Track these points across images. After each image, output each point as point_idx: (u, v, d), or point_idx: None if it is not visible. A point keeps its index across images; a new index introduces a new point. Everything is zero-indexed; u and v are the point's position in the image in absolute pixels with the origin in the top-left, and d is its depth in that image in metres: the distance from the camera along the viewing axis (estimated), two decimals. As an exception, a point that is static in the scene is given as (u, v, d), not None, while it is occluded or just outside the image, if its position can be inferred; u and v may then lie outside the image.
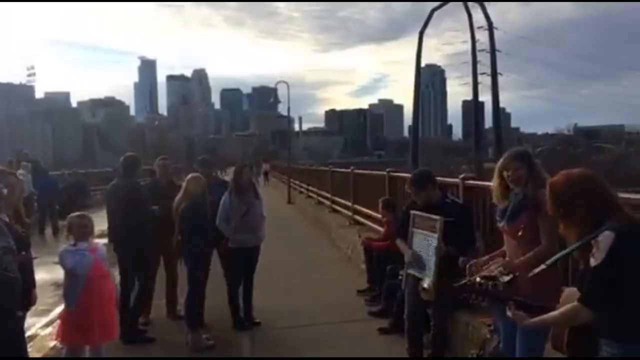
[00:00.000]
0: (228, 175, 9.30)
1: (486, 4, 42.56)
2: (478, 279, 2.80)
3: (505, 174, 3.31)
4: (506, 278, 2.85)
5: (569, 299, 2.33)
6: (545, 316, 2.46)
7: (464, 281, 2.68)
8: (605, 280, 2.17)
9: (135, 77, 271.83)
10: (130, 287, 5.69)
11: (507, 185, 3.33)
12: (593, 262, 2.18)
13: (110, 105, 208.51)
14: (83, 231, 4.43)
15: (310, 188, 20.30)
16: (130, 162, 5.95)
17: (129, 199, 5.68)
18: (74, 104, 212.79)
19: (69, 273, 4.28)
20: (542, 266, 2.61)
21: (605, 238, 2.16)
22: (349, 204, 12.11)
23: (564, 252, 2.41)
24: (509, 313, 2.61)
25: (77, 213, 4.71)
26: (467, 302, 2.72)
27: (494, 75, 44.34)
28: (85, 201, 13.77)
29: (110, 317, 4.41)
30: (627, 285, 2.14)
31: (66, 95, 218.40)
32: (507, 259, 3.28)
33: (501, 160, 3.39)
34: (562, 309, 2.34)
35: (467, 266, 3.37)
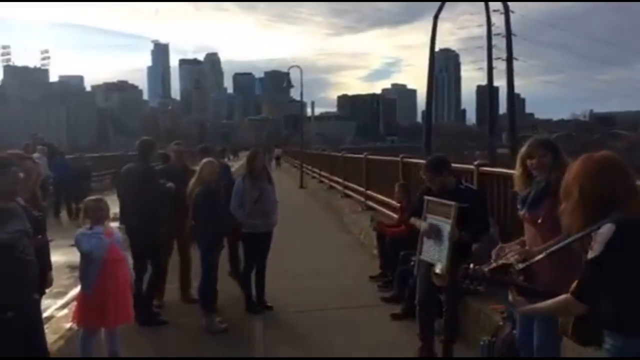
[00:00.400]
0: (240, 160, 9.33)
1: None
2: (479, 266, 2.76)
3: (528, 161, 3.27)
4: (521, 265, 2.83)
5: None
6: (539, 304, 2.46)
7: (464, 266, 2.65)
8: (597, 275, 2.15)
9: (148, 61, 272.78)
10: (143, 271, 5.74)
11: (529, 174, 3.29)
12: (590, 254, 2.15)
13: (123, 89, 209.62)
14: (99, 215, 4.46)
15: (323, 173, 20.33)
16: (147, 145, 5.98)
17: (143, 182, 5.71)
18: (88, 88, 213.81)
19: (85, 256, 4.32)
20: (543, 254, 2.59)
21: (606, 230, 2.12)
22: (362, 189, 12.11)
23: (567, 240, 2.36)
24: (510, 298, 2.60)
25: (93, 197, 4.76)
26: (462, 286, 2.71)
27: (509, 60, 43.72)
28: (85, 187, 13.71)
29: (125, 300, 4.46)
30: (626, 278, 2.11)
31: (80, 79, 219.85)
32: (526, 247, 3.25)
33: (524, 147, 3.34)
34: (555, 299, 2.32)
35: (495, 250, 3.33)
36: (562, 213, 2.35)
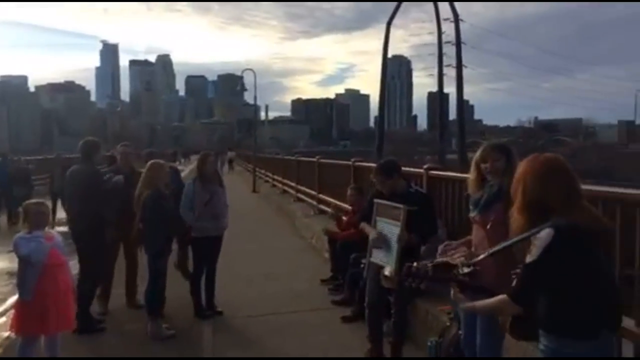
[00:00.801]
0: (192, 164, 9.19)
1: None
2: (421, 264, 2.80)
3: (482, 165, 3.31)
4: (466, 270, 2.88)
5: None
6: (478, 302, 2.53)
7: (407, 264, 2.69)
8: (534, 279, 2.20)
9: (96, 62, 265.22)
10: (90, 277, 5.57)
11: (483, 177, 3.34)
12: (528, 257, 2.20)
13: (70, 90, 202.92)
14: (40, 219, 4.31)
15: (276, 177, 20.26)
16: (91, 146, 5.79)
17: (89, 185, 5.54)
18: (32, 88, 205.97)
19: (23, 261, 4.14)
20: (485, 254, 2.64)
21: (544, 235, 2.16)
22: (314, 193, 12.12)
23: (508, 242, 2.39)
24: (452, 294, 2.65)
25: (34, 200, 4.61)
26: (405, 284, 2.74)
27: (459, 67, 44.88)
28: (27, 190, 13.14)
29: (66, 306, 4.30)
30: (561, 282, 2.17)
31: (23, 79, 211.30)
32: (472, 249, 3.32)
33: (479, 152, 3.38)
34: (493, 299, 2.38)
35: (442, 246, 3.40)
36: (510, 214, 2.38)
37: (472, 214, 3.38)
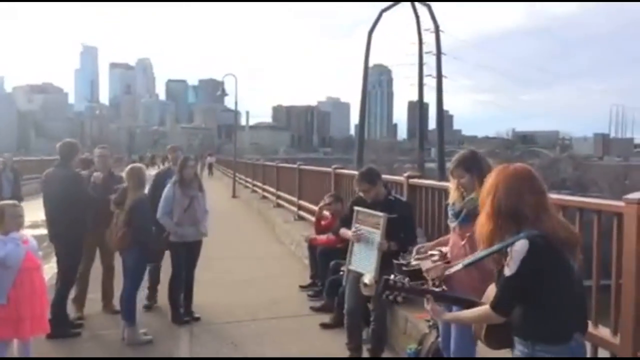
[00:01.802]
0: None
1: (433, 5, 43.51)
2: (399, 277, 2.82)
3: (454, 181, 3.35)
4: (435, 290, 2.92)
5: (489, 298, 2.40)
6: (459, 313, 2.57)
7: (384, 277, 2.71)
8: (515, 291, 2.25)
9: (76, 64, 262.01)
10: (70, 281, 5.52)
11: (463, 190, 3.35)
12: (507, 271, 2.24)
13: (47, 91, 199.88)
14: (18, 221, 4.25)
15: (256, 183, 20.18)
16: (69, 149, 5.71)
17: (69, 188, 5.45)
18: (9, 90, 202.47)
19: None
20: (459, 266, 2.67)
21: (520, 247, 2.19)
22: (295, 199, 12.11)
23: (482, 253, 2.42)
24: (426, 306, 2.67)
25: (9, 202, 4.53)
26: (382, 298, 2.75)
27: (439, 77, 45.42)
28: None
29: (42, 310, 4.24)
30: (536, 291, 2.22)
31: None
32: (447, 251, 3.36)
33: (449, 165, 3.42)
34: (475, 310, 2.44)
35: (415, 249, 3.45)
36: (478, 221, 2.41)
37: (452, 224, 3.41)
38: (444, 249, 3.43)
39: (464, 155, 3.41)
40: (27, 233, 4.49)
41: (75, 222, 5.43)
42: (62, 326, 5.31)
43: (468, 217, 3.26)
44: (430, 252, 3.41)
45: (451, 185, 3.43)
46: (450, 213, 3.46)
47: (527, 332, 2.27)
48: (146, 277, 5.92)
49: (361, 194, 4.62)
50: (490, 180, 2.38)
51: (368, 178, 4.58)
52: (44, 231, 5.82)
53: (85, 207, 5.54)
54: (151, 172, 7.06)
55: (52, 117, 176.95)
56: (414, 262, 3.47)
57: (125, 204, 5.31)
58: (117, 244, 5.45)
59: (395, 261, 3.68)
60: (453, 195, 3.42)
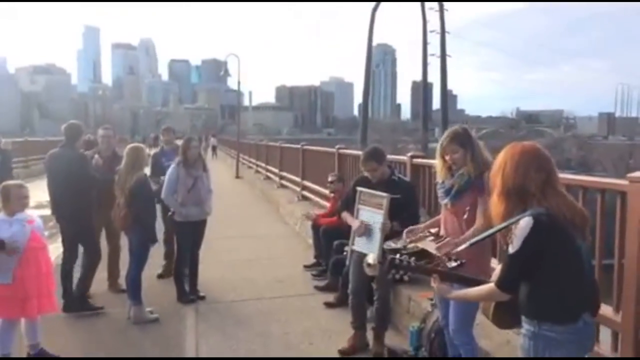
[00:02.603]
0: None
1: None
2: (405, 256, 2.84)
3: (445, 157, 3.35)
4: (454, 264, 2.93)
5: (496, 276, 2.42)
6: (465, 291, 2.59)
7: (391, 257, 2.72)
8: (519, 268, 2.26)
9: (78, 45, 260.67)
10: (73, 260, 5.59)
11: (449, 165, 3.37)
12: (511, 248, 2.25)
13: (51, 72, 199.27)
14: (23, 202, 4.27)
15: (259, 163, 20.20)
16: (75, 130, 5.74)
17: (76, 170, 5.49)
18: (12, 70, 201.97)
19: (3, 245, 4.09)
20: (465, 245, 2.68)
21: (524, 225, 2.20)
22: (298, 179, 12.13)
23: (488, 232, 2.45)
24: (432, 284, 2.69)
25: (15, 182, 4.50)
26: (389, 277, 2.79)
27: (443, 57, 45.02)
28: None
29: (48, 288, 4.29)
30: (541, 269, 2.23)
31: (2, 61, 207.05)
32: (442, 232, 3.39)
33: (440, 142, 3.41)
34: (480, 288, 2.47)
35: (405, 232, 3.49)
36: (490, 201, 2.42)
37: (443, 201, 3.43)
38: (433, 230, 3.47)
39: (457, 131, 3.42)
40: (33, 213, 4.52)
41: (80, 203, 5.48)
42: (79, 303, 5.51)
43: (459, 193, 3.30)
44: (420, 234, 3.44)
45: (438, 162, 3.43)
46: (440, 191, 3.47)
47: (533, 311, 2.28)
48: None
49: (366, 173, 4.61)
50: (498, 159, 2.40)
51: (376, 157, 4.56)
52: (48, 212, 5.85)
53: (90, 187, 5.58)
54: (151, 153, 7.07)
55: (55, 98, 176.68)
56: (410, 245, 3.50)
57: (123, 184, 5.34)
58: (119, 225, 5.52)
59: (386, 247, 3.69)
60: (440, 173, 3.44)
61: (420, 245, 3.32)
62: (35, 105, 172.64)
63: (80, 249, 5.67)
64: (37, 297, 4.16)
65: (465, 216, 3.29)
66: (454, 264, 2.91)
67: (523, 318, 2.33)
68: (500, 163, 2.37)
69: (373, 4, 44.13)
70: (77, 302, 5.52)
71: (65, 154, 5.63)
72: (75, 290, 5.58)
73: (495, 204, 2.36)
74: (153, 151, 7.82)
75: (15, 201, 4.21)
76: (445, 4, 44.39)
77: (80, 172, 5.51)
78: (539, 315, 2.27)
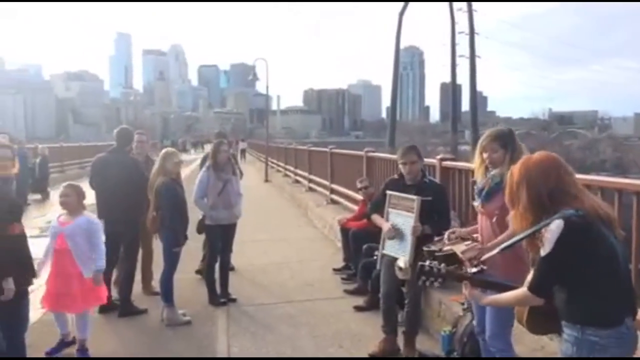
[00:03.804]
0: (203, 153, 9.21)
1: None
2: (435, 262, 2.80)
3: (484, 155, 3.29)
4: (474, 269, 2.90)
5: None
6: (498, 296, 2.55)
7: (420, 263, 2.70)
8: (551, 271, 2.23)
9: (110, 51, 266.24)
10: (114, 263, 5.76)
11: (487, 165, 3.31)
12: (542, 252, 2.22)
13: (84, 79, 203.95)
14: (60, 201, 4.60)
15: (288, 167, 20.28)
16: (126, 135, 5.95)
17: (131, 174, 5.64)
18: (47, 77, 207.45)
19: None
20: (496, 250, 2.65)
21: (555, 227, 2.18)
22: (327, 183, 12.14)
23: (518, 237, 2.41)
24: (464, 291, 2.66)
25: (66, 183, 4.85)
26: (419, 284, 2.75)
27: (472, 57, 44.53)
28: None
29: (69, 290, 4.45)
30: (577, 271, 2.19)
31: (38, 68, 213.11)
32: (477, 235, 3.34)
33: (481, 140, 3.34)
34: (513, 292, 2.42)
35: (447, 234, 3.43)
36: (511, 218, 2.42)
37: (476, 203, 3.38)
38: (475, 235, 3.40)
39: (502, 130, 3.37)
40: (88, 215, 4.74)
41: (132, 207, 5.60)
42: (127, 305, 5.66)
43: (489, 194, 3.24)
44: (461, 237, 3.39)
45: (476, 160, 3.37)
46: (475, 191, 3.43)
47: (575, 315, 2.24)
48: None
49: (403, 169, 4.53)
50: (516, 174, 2.38)
51: (417, 150, 4.54)
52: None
53: (144, 189, 5.60)
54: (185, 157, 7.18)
55: (88, 104, 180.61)
56: (446, 248, 3.45)
57: (152, 188, 5.46)
58: (150, 228, 5.63)
59: (425, 248, 3.66)
60: (477, 172, 3.39)
61: (454, 248, 3.29)
62: (69, 111, 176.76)
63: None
64: (56, 296, 4.44)
65: (494, 219, 3.24)
66: (474, 269, 2.89)
67: (564, 323, 2.29)
68: (519, 176, 2.36)
69: (400, 5, 43.97)
70: (124, 305, 5.64)
71: (118, 159, 5.78)
72: (121, 293, 5.71)
73: (521, 217, 2.34)
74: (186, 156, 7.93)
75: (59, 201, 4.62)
76: (474, 4, 43.93)
77: (133, 177, 5.64)
78: (582, 320, 2.22)
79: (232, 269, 6.44)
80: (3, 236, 3.51)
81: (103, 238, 4.84)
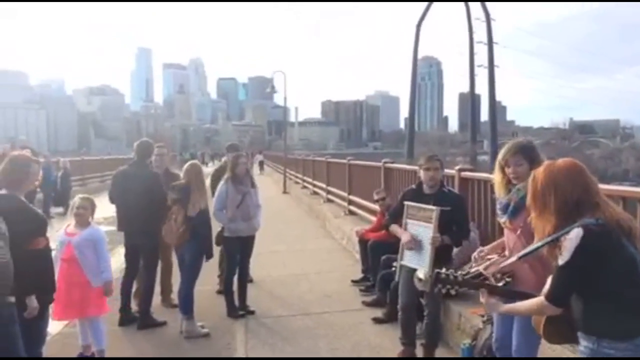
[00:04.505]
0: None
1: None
2: (451, 270, 2.75)
3: (506, 169, 3.17)
4: (501, 284, 2.86)
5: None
6: (515, 305, 2.51)
7: (436, 271, 2.66)
8: (569, 280, 2.19)
9: (131, 66, 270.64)
10: (134, 276, 5.84)
11: (509, 180, 3.19)
12: (560, 260, 2.19)
13: (105, 93, 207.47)
14: (77, 212, 4.67)
15: (306, 178, 20.31)
16: (147, 148, 6.01)
17: (152, 187, 5.67)
18: (69, 92, 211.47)
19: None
20: (514, 258, 2.60)
21: (574, 236, 2.15)
22: (345, 194, 12.13)
23: (537, 244, 2.37)
24: (482, 299, 2.62)
25: (83, 195, 4.92)
26: (435, 291, 2.70)
27: (491, 67, 44.33)
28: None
29: (69, 300, 4.48)
30: (594, 281, 2.15)
31: (60, 83, 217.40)
32: (507, 252, 3.26)
33: (501, 153, 3.21)
34: (530, 301, 2.39)
35: (474, 255, 3.32)
36: (533, 222, 2.38)
37: (502, 219, 3.25)
38: (500, 251, 3.31)
39: (523, 143, 3.25)
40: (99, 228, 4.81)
41: (154, 219, 5.60)
42: (146, 318, 5.69)
43: (516, 209, 3.12)
44: (487, 257, 3.29)
45: (496, 176, 3.24)
46: (498, 207, 3.30)
47: (591, 327, 2.20)
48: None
49: (424, 175, 4.49)
50: (540, 178, 2.34)
51: (439, 158, 4.59)
52: (113, 227, 6.06)
53: (161, 205, 5.63)
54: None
55: (109, 118, 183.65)
56: (473, 270, 3.32)
57: (188, 201, 5.44)
58: (177, 240, 5.57)
59: (451, 274, 3.47)
60: (498, 188, 3.25)
61: (480, 268, 3.20)
62: (91, 125, 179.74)
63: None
64: (62, 304, 4.42)
65: (518, 232, 3.16)
66: (500, 284, 2.84)
67: (580, 334, 2.25)
68: (543, 181, 2.32)
69: (417, 17, 44.01)
70: (143, 317, 5.67)
71: (138, 172, 5.83)
72: (141, 305, 5.75)
73: (544, 222, 2.30)
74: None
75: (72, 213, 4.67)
76: (496, 13, 43.83)
77: (153, 190, 5.67)
78: (598, 332, 2.18)
79: (251, 280, 6.47)
80: (28, 250, 3.53)
81: (107, 247, 4.85)
